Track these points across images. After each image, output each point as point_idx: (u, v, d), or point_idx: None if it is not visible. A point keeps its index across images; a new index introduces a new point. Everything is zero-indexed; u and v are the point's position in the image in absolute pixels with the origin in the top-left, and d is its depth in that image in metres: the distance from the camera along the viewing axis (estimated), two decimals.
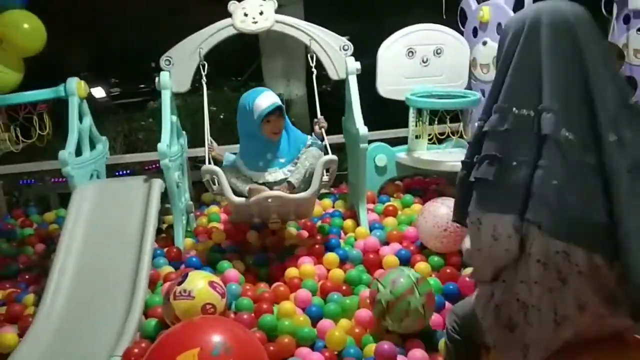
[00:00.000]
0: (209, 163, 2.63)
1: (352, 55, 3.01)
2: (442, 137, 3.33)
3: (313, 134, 2.86)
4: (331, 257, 2.64)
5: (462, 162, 1.32)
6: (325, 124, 2.82)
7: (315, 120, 2.87)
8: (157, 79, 2.94)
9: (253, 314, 2.25)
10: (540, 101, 1.16)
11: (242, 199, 2.54)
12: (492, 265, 1.24)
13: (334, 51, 3.01)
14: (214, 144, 2.81)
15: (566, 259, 1.13)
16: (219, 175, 2.51)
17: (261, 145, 2.68)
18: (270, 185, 2.66)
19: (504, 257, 1.20)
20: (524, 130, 1.16)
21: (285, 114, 2.68)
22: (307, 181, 2.62)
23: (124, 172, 4.32)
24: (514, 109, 1.17)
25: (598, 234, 1.11)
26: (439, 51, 3.32)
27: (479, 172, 1.21)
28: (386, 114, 3.63)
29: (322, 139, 2.78)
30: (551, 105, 1.14)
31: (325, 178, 2.58)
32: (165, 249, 2.80)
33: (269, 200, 2.52)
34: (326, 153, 2.68)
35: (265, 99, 2.58)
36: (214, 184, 2.55)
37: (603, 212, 1.11)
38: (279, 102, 2.61)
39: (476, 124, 1.28)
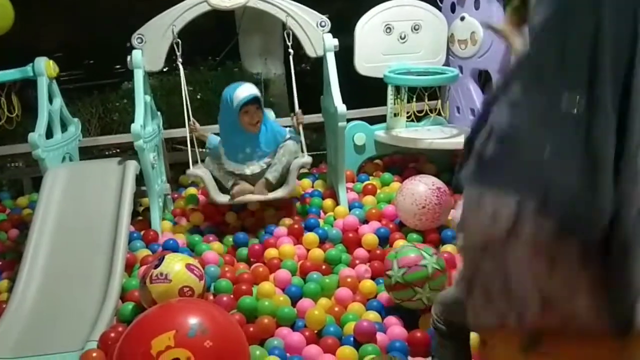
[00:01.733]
0: (192, 146, 2.85)
1: (331, 32, 2.96)
2: (421, 114, 3.31)
3: (291, 126, 2.95)
4: (311, 236, 2.63)
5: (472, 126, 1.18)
6: (302, 119, 2.92)
7: (292, 114, 2.96)
8: (129, 57, 2.86)
9: (232, 296, 2.24)
10: (586, 79, 0.97)
11: (226, 198, 2.74)
12: (484, 239, 1.13)
13: (311, 28, 2.96)
14: (197, 124, 2.92)
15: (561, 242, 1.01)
16: (204, 180, 2.74)
17: (241, 139, 2.79)
18: (248, 178, 2.81)
19: (498, 234, 1.09)
20: (551, 107, 0.99)
21: (263, 109, 2.79)
22: (284, 175, 2.80)
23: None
24: (538, 82, 1.01)
25: (599, 223, 0.98)
26: (416, 27, 3.28)
27: (487, 146, 1.07)
28: (366, 92, 3.59)
29: (299, 133, 2.89)
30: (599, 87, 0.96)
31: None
32: (142, 232, 2.76)
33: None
34: (302, 149, 2.88)
35: (244, 90, 2.70)
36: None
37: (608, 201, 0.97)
38: (256, 93, 2.72)
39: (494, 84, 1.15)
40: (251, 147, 2.80)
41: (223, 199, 2.72)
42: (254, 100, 2.70)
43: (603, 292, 1.03)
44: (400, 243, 2.49)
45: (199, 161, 2.89)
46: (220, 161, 2.83)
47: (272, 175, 2.76)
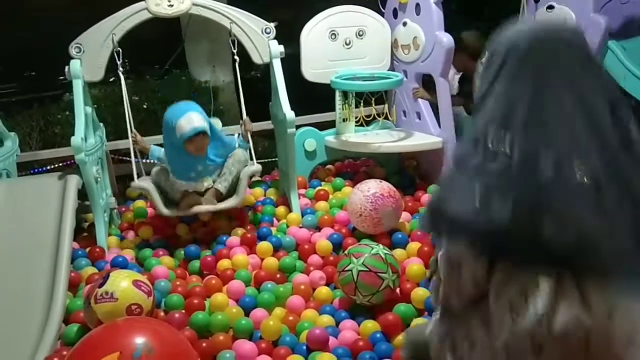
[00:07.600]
0: (135, 156, 2.76)
1: (279, 39, 2.95)
2: (369, 119, 3.35)
3: (240, 134, 2.89)
4: (264, 245, 2.60)
5: None
6: (251, 126, 2.88)
7: (241, 121, 2.91)
8: (67, 68, 2.76)
9: (184, 311, 2.18)
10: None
11: (174, 211, 2.64)
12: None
13: (256, 35, 2.94)
14: (138, 136, 2.83)
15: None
16: (150, 191, 2.62)
17: (190, 158, 2.66)
18: (201, 193, 2.72)
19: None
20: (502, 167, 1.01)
21: (209, 132, 2.59)
22: (234, 184, 2.74)
23: (42, 169, 4.05)
24: (489, 143, 1.03)
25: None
26: (361, 33, 3.31)
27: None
28: (315, 98, 3.60)
29: (248, 141, 2.85)
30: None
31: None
32: (87, 249, 2.65)
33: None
34: (251, 157, 2.83)
35: (187, 122, 2.52)
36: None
37: None
38: (202, 127, 2.54)
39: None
40: (202, 164, 2.70)
41: (170, 211, 2.63)
42: (198, 133, 2.55)
43: None
44: None
45: (144, 173, 2.81)
46: (169, 178, 2.71)
47: (222, 185, 2.71)
